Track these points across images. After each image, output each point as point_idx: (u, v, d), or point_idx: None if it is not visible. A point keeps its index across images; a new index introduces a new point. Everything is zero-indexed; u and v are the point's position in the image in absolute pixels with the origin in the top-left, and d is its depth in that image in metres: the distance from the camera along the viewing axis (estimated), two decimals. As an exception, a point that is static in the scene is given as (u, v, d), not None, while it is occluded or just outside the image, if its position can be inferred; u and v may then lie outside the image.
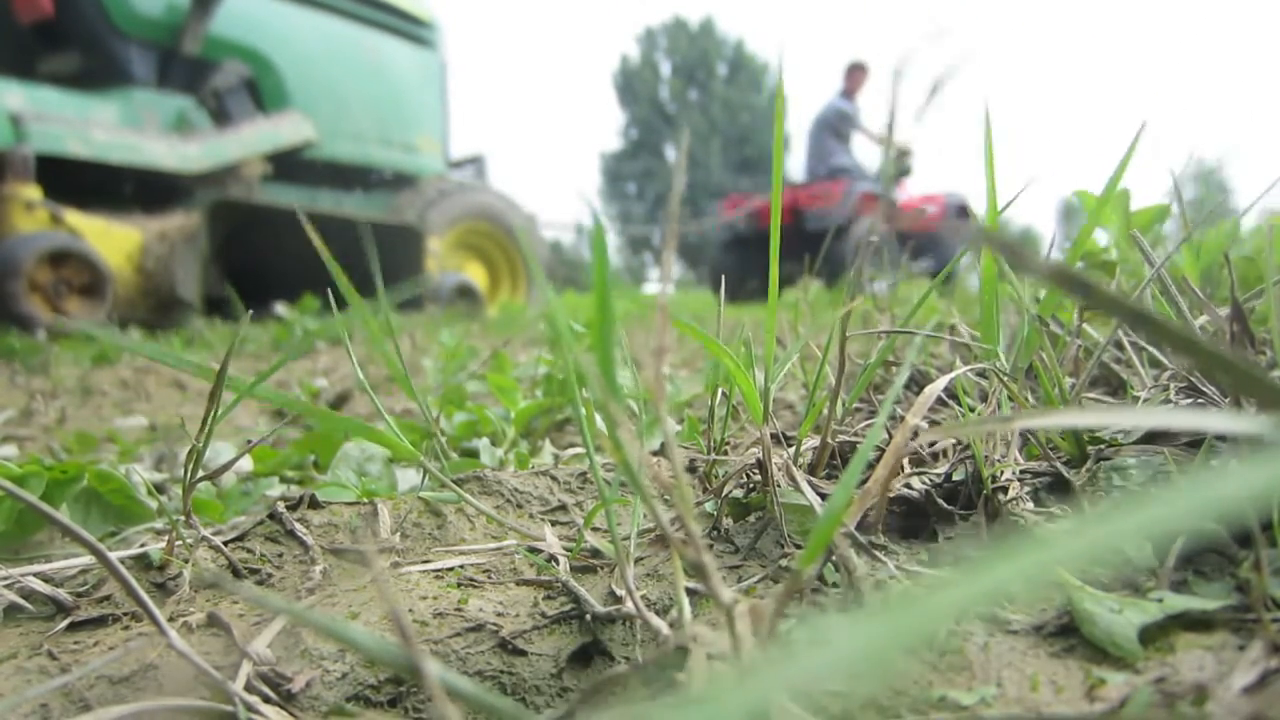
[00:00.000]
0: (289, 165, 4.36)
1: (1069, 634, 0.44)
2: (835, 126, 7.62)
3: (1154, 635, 0.43)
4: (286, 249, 3.11)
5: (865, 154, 8.08)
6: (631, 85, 44.36)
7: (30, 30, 3.39)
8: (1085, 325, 0.91)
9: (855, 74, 7.47)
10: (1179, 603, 0.44)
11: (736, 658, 0.34)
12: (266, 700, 0.46)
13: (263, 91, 4.37)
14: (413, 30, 5.31)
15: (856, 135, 7.80)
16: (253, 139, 4.16)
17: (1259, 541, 0.43)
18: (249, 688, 0.46)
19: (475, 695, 0.28)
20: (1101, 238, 1.21)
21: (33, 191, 3.41)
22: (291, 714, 0.46)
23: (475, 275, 5.37)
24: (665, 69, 44.60)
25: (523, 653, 0.53)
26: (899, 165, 7.84)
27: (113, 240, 3.62)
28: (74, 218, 3.50)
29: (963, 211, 7.62)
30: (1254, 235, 1.09)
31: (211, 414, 0.61)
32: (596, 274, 0.33)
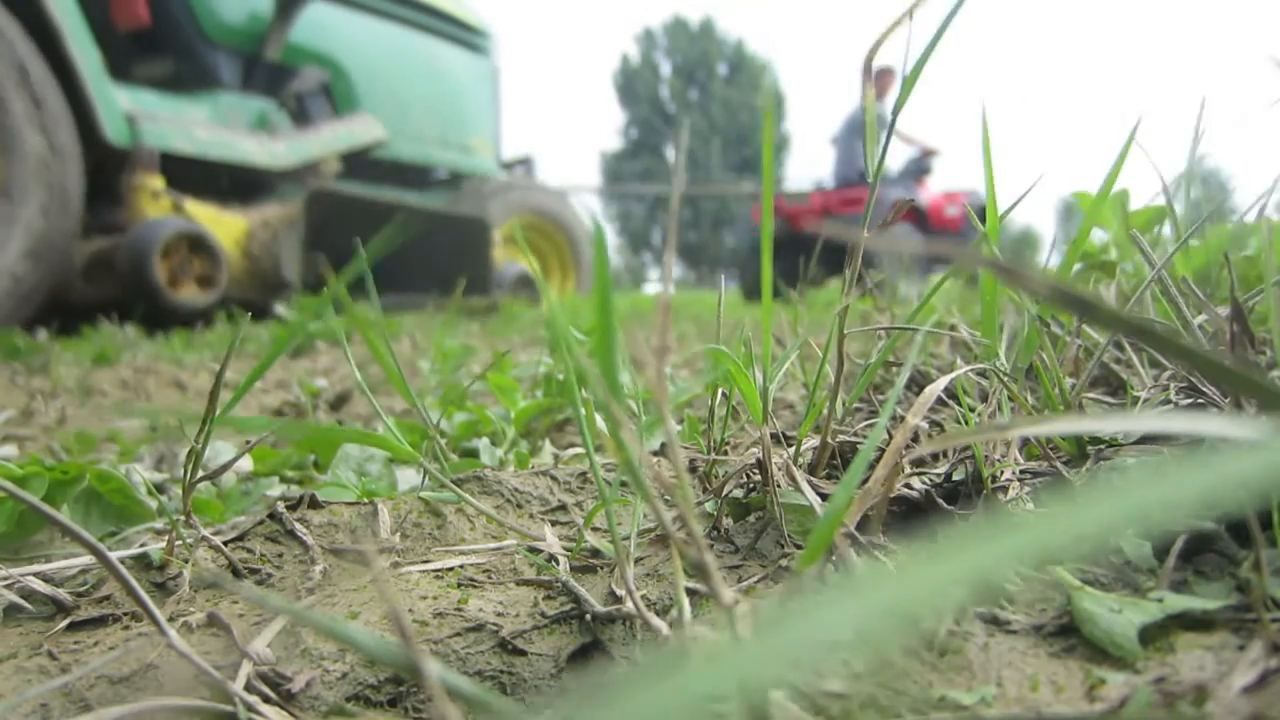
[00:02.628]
0: (357, 164, 4.72)
1: (1069, 634, 0.44)
2: (861, 130, 7.61)
3: (1154, 635, 0.43)
4: (367, 239, 3.36)
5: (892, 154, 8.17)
6: (631, 85, 44.37)
7: (127, 38, 3.77)
8: (1085, 326, 0.91)
9: (884, 77, 7.55)
10: (1179, 603, 0.44)
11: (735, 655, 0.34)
12: (266, 700, 0.46)
13: (335, 95, 4.79)
14: (469, 38, 5.67)
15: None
16: (331, 138, 4.52)
17: (1259, 541, 0.43)
18: (249, 688, 0.46)
19: (475, 695, 0.28)
20: (1101, 238, 1.21)
21: (158, 182, 3.74)
22: (291, 714, 0.46)
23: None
24: (665, 69, 44.61)
25: (523, 653, 0.53)
26: (921, 165, 8.07)
27: (223, 226, 3.98)
28: (192, 206, 3.85)
29: (984, 211, 7.67)
30: (1253, 234, 1.09)
31: (211, 413, 0.61)
32: (597, 274, 0.33)
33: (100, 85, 3.57)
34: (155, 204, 3.73)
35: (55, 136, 3.28)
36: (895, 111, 0.62)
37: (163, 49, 4.15)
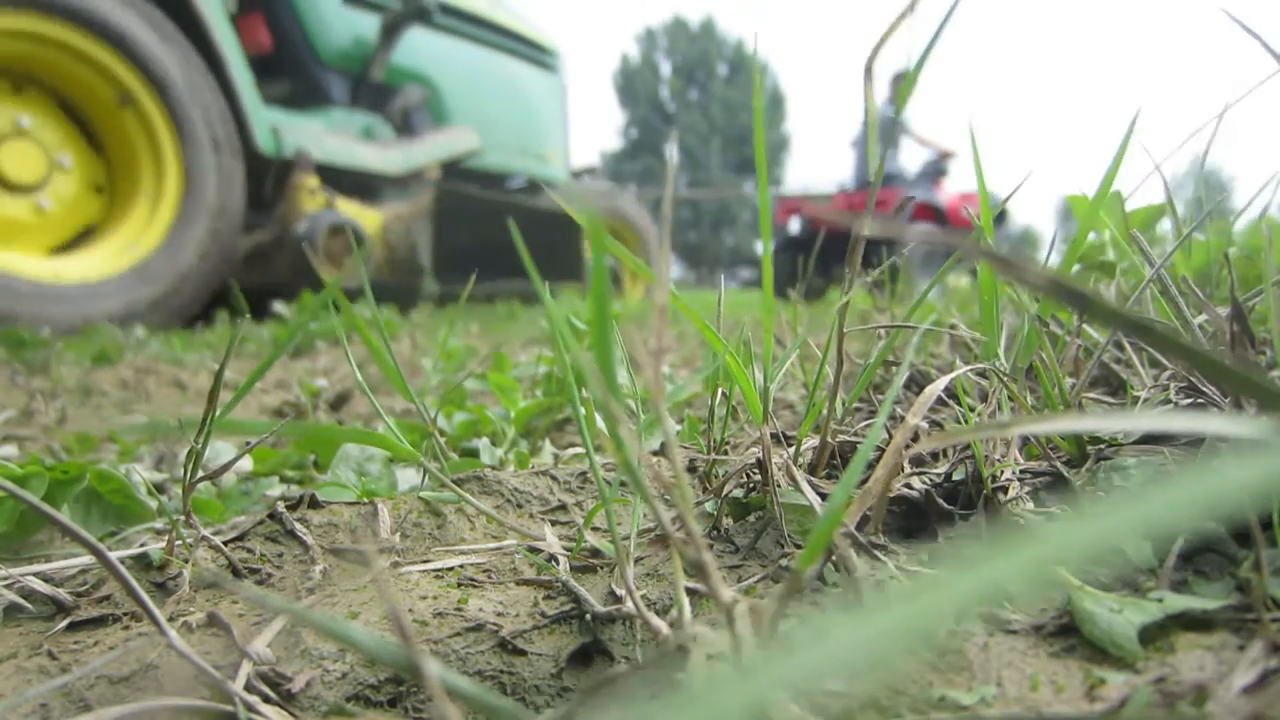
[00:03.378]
0: (450, 171, 5.36)
1: (1069, 634, 0.44)
2: (884, 133, 7.82)
3: (1154, 635, 0.43)
4: (478, 235, 4.68)
5: (908, 157, 8.49)
6: (631, 85, 44.37)
7: (250, 61, 4.29)
8: (1085, 325, 0.91)
9: (899, 82, 7.85)
10: (1179, 603, 0.44)
11: (737, 657, 0.34)
12: (266, 700, 0.46)
13: (430, 110, 5.45)
14: (541, 57, 6.31)
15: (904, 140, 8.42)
16: (434, 148, 5.12)
17: (1259, 541, 0.43)
18: (249, 688, 0.46)
19: (475, 695, 0.28)
20: (1098, 239, 1.21)
21: (313, 181, 4.32)
22: (291, 714, 0.46)
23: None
24: (665, 69, 44.61)
25: (523, 653, 0.53)
26: (938, 167, 8.42)
27: (365, 219, 4.57)
28: (340, 202, 4.43)
29: (1001, 213, 7.85)
30: (1251, 233, 1.09)
31: (211, 414, 0.61)
32: (595, 273, 0.33)
33: (254, 103, 4.13)
34: (312, 200, 4.31)
35: (224, 149, 3.85)
36: (898, 111, 0.62)
37: (281, 71, 4.71)
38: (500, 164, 5.87)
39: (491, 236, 5.01)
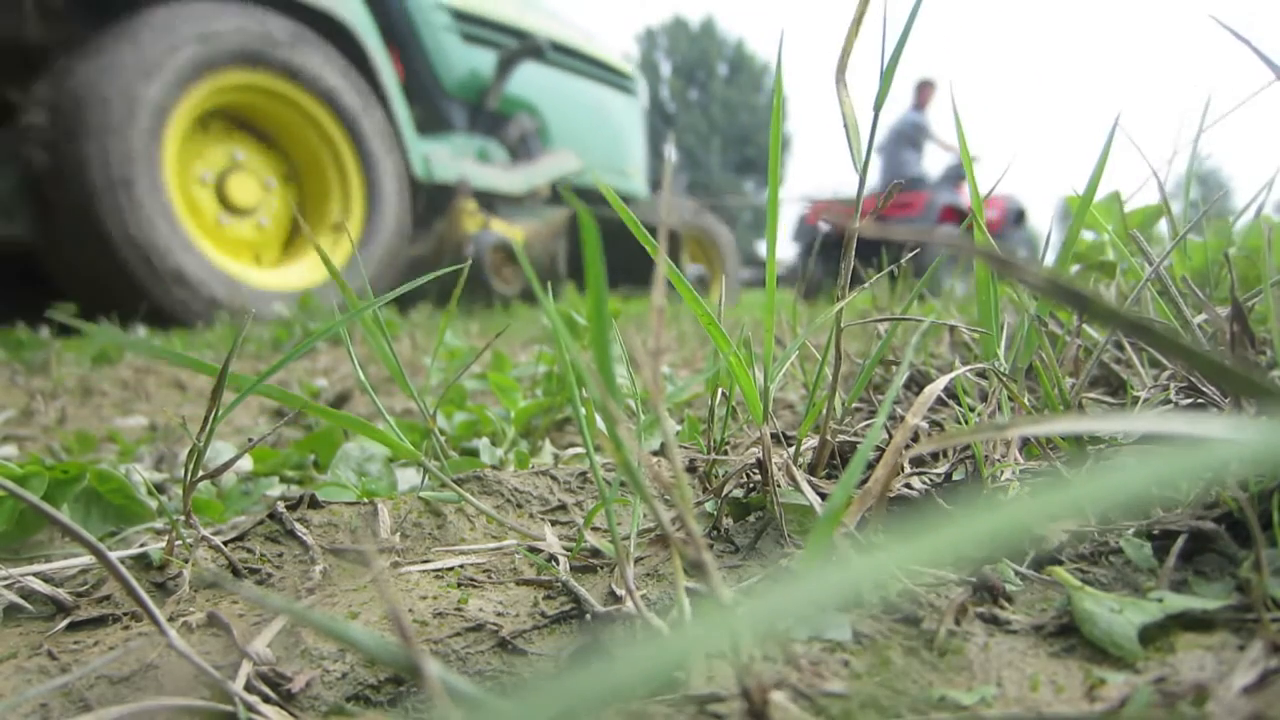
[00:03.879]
0: (555, 189, 6.04)
1: (1069, 634, 0.44)
2: (911, 138, 8.45)
3: (1154, 635, 0.43)
4: (607, 247, 5.20)
5: (931, 161, 8.80)
6: (631, 85, 44.25)
7: None
8: (1085, 325, 0.91)
9: (925, 89, 8.43)
10: (1179, 603, 0.44)
11: (737, 657, 0.34)
12: (266, 700, 0.46)
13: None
14: (624, 84, 7.00)
15: (929, 145, 8.73)
16: (546, 169, 5.75)
17: (1259, 541, 0.43)
18: (249, 688, 0.46)
19: (475, 696, 0.28)
20: (1098, 239, 1.21)
21: (472, 204, 4.98)
22: (291, 714, 0.46)
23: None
24: (665, 69, 44.60)
25: (523, 653, 0.53)
26: (959, 171, 8.73)
27: (514, 235, 5.16)
28: (494, 221, 5.11)
29: (1020, 216, 8.15)
30: (1251, 233, 1.09)
31: (213, 413, 0.61)
32: (592, 272, 0.33)
33: (411, 135, 4.79)
34: (473, 220, 4.95)
35: (397, 176, 4.54)
36: (877, 108, 0.63)
37: (410, 100, 5.12)
38: (591, 181, 6.53)
39: (610, 247, 5.80)
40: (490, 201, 5.41)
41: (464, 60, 5.35)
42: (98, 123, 3.27)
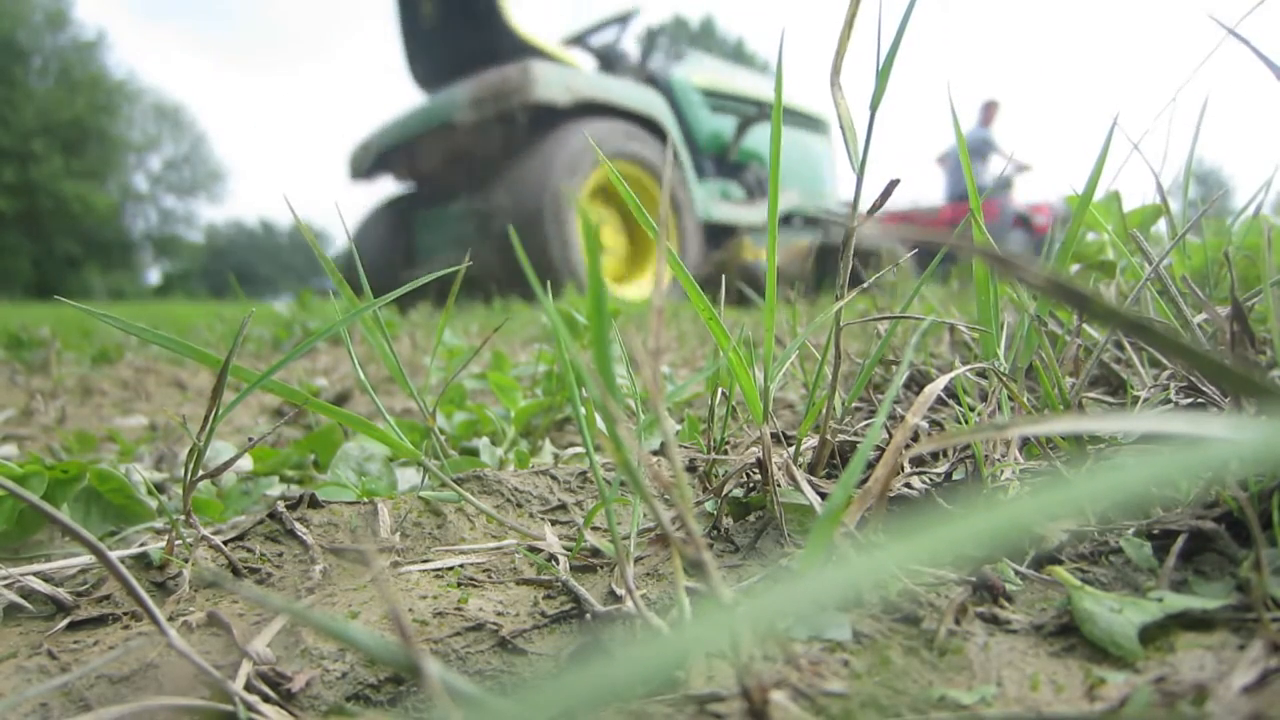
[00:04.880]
0: (783, 219, 7.50)
1: (1069, 633, 0.44)
2: (980, 151, 9.48)
3: (1154, 635, 0.43)
4: (828, 265, 6.32)
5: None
6: (631, 85, 44.25)
7: None
8: (1085, 325, 0.91)
9: (990, 108, 9.76)
10: (1179, 602, 0.44)
11: (737, 657, 0.34)
12: (266, 700, 0.46)
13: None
14: (820, 127, 8.38)
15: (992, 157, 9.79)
16: (785, 204, 7.20)
17: (1259, 541, 0.43)
18: (249, 687, 0.46)
19: (475, 695, 0.28)
20: (1099, 239, 1.21)
21: (749, 239, 6.18)
22: (291, 713, 0.46)
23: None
24: (665, 68, 44.53)
25: (523, 652, 0.53)
26: (1006, 180, 9.78)
27: (786, 254, 6.16)
28: (757, 250, 6.11)
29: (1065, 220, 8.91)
30: (1250, 233, 1.09)
31: (213, 412, 0.61)
32: (590, 272, 0.33)
33: (695, 186, 6.42)
34: (749, 250, 5.98)
35: (692, 217, 6.16)
36: (874, 107, 0.63)
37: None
38: (802, 206, 7.76)
39: (831, 264, 6.71)
40: (733, 231, 6.86)
41: (711, 124, 6.97)
42: (548, 196, 5.20)
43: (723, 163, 7.23)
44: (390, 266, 6.17)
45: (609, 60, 6.84)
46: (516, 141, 5.52)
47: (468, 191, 5.79)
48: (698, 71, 7.14)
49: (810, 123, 8.27)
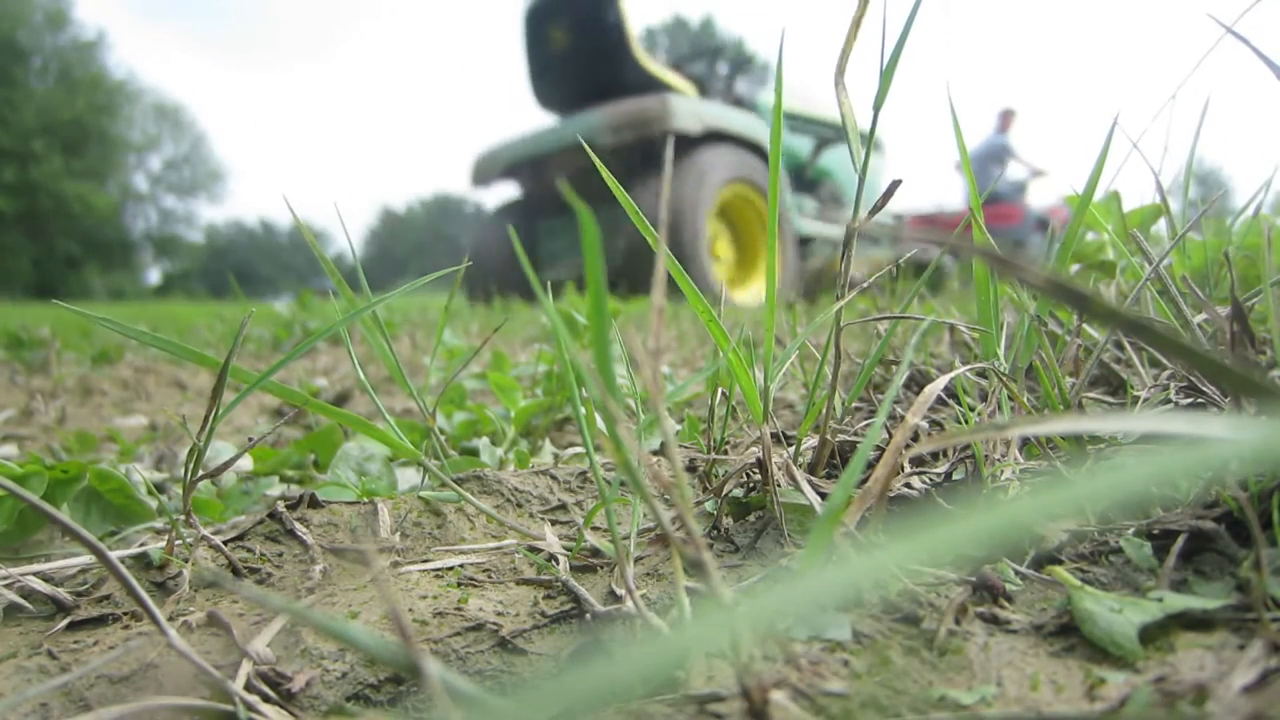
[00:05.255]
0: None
1: (1069, 633, 0.44)
2: (999, 157, 9.86)
3: (1154, 634, 0.43)
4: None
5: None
6: (631, 85, 44.26)
7: None
8: (1085, 325, 0.91)
9: (1007, 116, 10.13)
10: (1179, 602, 0.44)
11: (737, 657, 0.34)
12: (266, 699, 0.46)
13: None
14: (878, 145, 8.79)
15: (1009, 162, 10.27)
16: (847, 218, 7.55)
17: (1259, 541, 0.43)
18: (249, 687, 0.46)
19: (475, 695, 0.28)
20: (1097, 239, 1.21)
21: (831, 249, 7.26)
22: (291, 713, 0.46)
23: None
24: (665, 68, 44.52)
25: (523, 652, 0.53)
26: (1022, 185, 10.20)
27: (860, 267, 6.91)
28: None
29: (1042, 222, 9.22)
30: (1250, 232, 1.09)
31: (213, 412, 0.61)
32: (589, 272, 0.33)
33: (789, 201, 7.01)
34: (837, 261, 6.10)
35: (789, 229, 6.71)
36: (876, 108, 0.64)
37: None
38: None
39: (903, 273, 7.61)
40: (809, 242, 7.43)
41: (790, 143, 7.55)
42: (685, 213, 5.85)
43: (799, 179, 7.86)
44: (515, 266, 6.74)
45: (703, 86, 7.50)
46: (649, 163, 6.17)
47: (598, 204, 6.45)
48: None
49: (875, 143, 9.35)
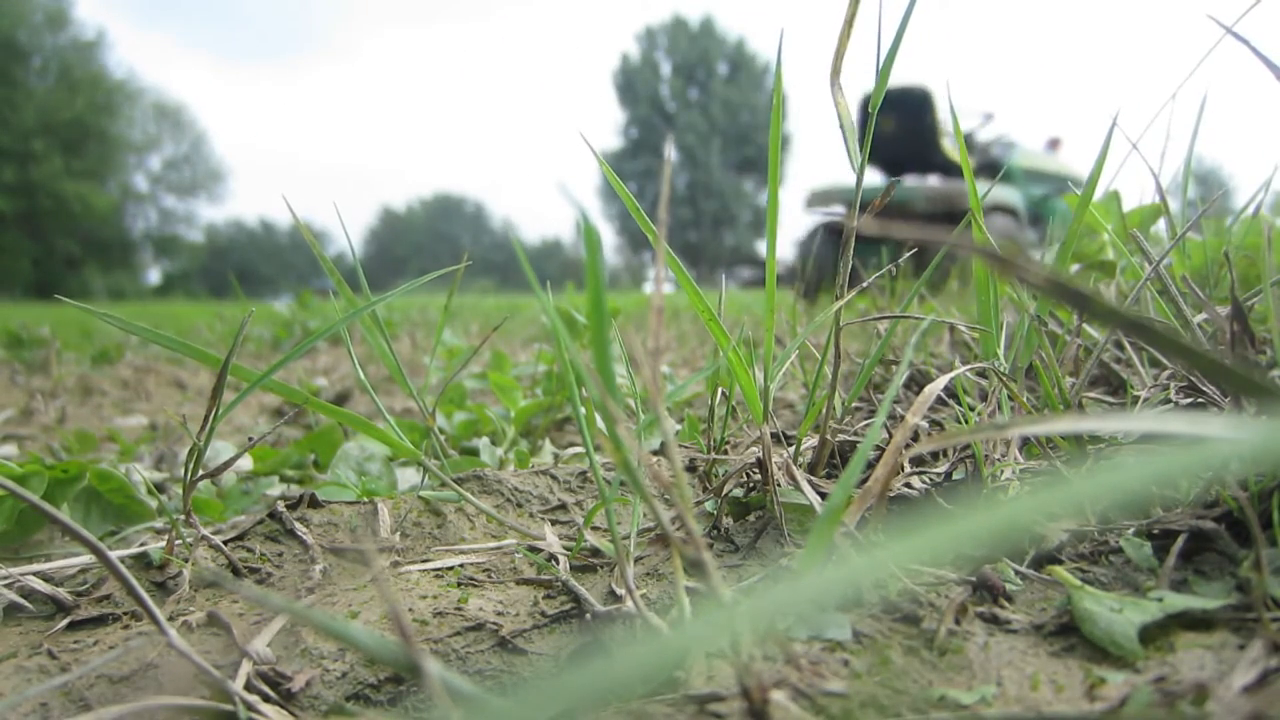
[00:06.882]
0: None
1: (1069, 633, 0.44)
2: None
3: (1154, 634, 0.43)
4: None
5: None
6: (632, 85, 44.37)
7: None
8: (1085, 324, 0.91)
9: (1055, 144, 10.33)
10: (1179, 602, 0.44)
11: (737, 657, 0.34)
12: (266, 699, 0.46)
13: None
14: (1063, 183, 9.84)
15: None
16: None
17: (1259, 541, 0.43)
18: (249, 687, 0.46)
19: (475, 695, 0.28)
20: (1097, 239, 1.21)
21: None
22: (291, 713, 0.46)
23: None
24: (665, 68, 44.61)
25: (523, 652, 0.53)
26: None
27: None
28: None
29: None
30: (1250, 232, 1.09)
31: (213, 412, 0.61)
32: (590, 272, 0.33)
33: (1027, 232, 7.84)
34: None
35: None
36: (873, 109, 0.64)
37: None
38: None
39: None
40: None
41: (1028, 192, 8.50)
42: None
43: (1034, 215, 8.84)
44: (830, 276, 8.09)
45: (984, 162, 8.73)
46: (948, 225, 7.35)
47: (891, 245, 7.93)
48: (1025, 158, 9.21)
49: (1056, 180, 9.86)
